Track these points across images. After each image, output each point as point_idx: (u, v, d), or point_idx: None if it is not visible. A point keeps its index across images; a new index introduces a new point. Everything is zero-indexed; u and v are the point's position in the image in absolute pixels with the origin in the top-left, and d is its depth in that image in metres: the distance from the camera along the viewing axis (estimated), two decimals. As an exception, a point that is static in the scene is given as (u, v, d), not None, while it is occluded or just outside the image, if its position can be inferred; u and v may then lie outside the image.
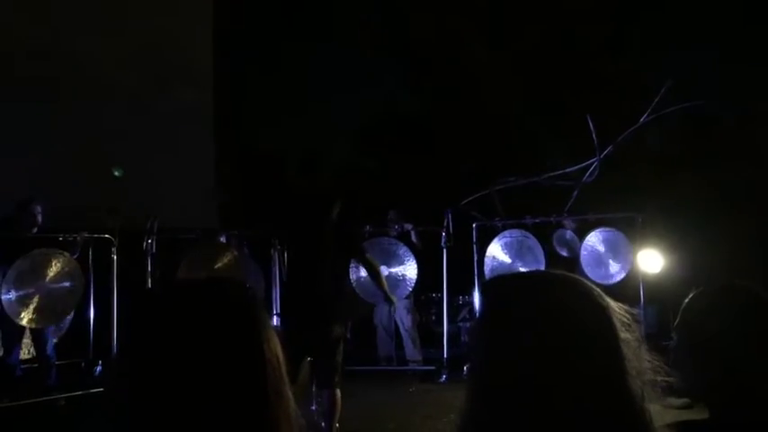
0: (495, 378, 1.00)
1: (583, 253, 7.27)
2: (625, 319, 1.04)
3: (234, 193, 9.96)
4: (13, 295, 6.27)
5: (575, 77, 9.62)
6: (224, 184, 10.34)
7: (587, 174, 8.10)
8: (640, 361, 1.04)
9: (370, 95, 9.95)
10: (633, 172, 8.08)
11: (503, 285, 1.12)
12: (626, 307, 1.06)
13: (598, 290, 1.06)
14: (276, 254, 7.99)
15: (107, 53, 9.21)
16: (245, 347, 0.99)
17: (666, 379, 1.07)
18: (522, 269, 7.64)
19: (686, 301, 1.51)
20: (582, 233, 7.58)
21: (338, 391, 4.63)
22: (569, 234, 7.98)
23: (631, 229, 7.24)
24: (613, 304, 1.05)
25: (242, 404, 0.97)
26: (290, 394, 1.04)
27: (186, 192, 9.50)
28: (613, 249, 7.38)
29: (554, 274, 1.10)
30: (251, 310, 1.04)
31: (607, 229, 7.45)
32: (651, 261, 6.99)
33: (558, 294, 1.04)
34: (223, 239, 8.05)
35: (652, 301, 6.56)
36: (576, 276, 1.08)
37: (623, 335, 1.03)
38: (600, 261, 7.36)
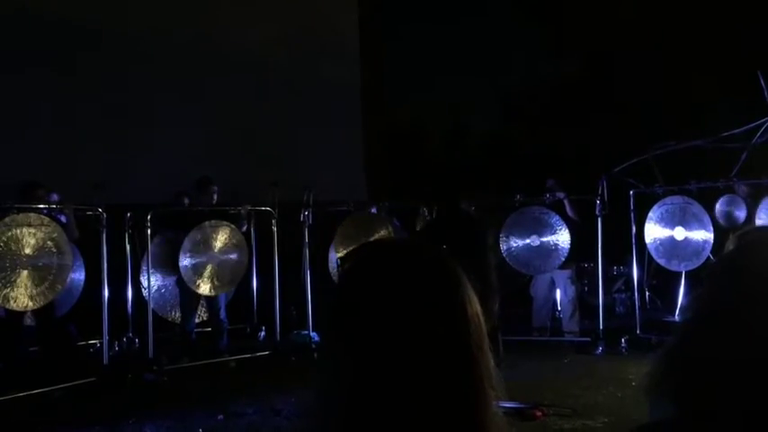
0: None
1: (757, 221, 6.75)
2: None
3: (382, 166, 10.16)
4: (188, 263, 6.79)
5: (742, 27, 8.87)
6: (372, 157, 10.55)
7: (758, 135, 7.51)
8: None
9: (518, 62, 9.72)
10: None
11: None
12: None
13: None
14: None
15: (262, 35, 9.64)
16: (449, 305, 1.02)
17: None
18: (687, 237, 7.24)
19: None
20: (755, 199, 7.03)
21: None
22: (723, 201, 7.41)
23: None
24: None
25: (449, 359, 0.99)
26: (489, 351, 1.05)
27: (337, 165, 9.83)
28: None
29: None
30: (452, 269, 1.06)
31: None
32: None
33: None
34: (374, 211, 8.25)
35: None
36: None
37: None
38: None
